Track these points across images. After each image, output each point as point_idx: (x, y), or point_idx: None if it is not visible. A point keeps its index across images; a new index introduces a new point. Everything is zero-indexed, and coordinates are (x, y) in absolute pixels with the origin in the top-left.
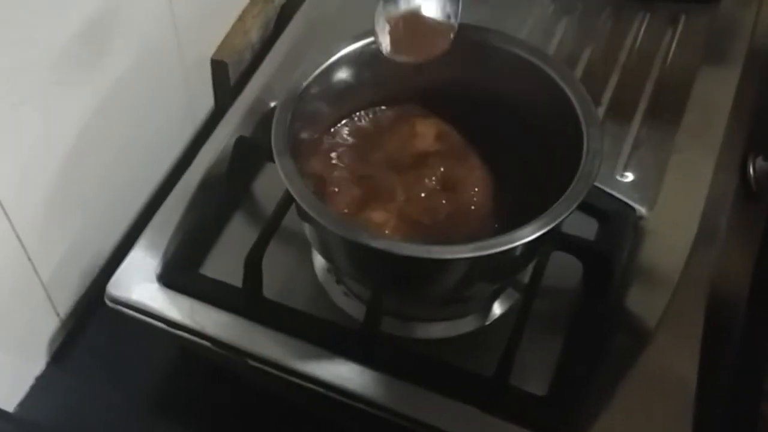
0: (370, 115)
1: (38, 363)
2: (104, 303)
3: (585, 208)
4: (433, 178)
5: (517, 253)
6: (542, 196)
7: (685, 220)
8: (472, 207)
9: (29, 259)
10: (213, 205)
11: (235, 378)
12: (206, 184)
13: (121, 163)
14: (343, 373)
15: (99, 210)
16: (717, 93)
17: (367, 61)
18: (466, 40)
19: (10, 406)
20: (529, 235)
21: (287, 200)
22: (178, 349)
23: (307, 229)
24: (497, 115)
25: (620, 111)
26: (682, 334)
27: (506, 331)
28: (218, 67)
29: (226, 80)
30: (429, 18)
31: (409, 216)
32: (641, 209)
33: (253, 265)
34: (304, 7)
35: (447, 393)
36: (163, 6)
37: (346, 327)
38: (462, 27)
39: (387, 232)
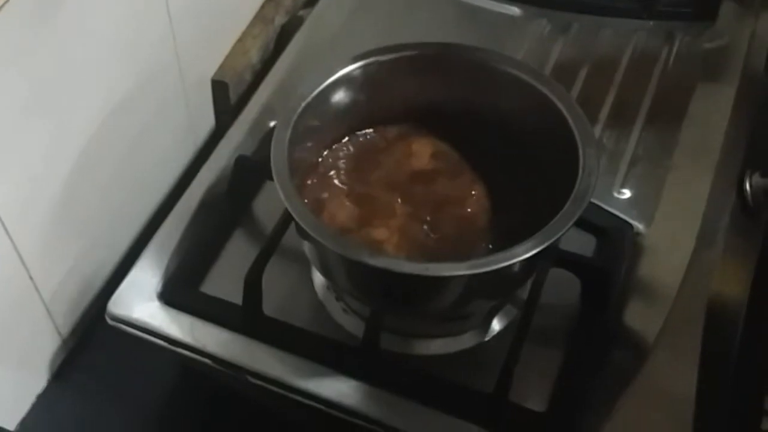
0: (368, 135)
1: (39, 381)
2: (105, 321)
3: (583, 224)
4: (430, 196)
5: (515, 270)
6: (539, 214)
7: (682, 236)
8: (469, 225)
9: (31, 278)
10: (213, 224)
11: (236, 395)
12: (207, 203)
13: (123, 183)
14: (342, 389)
15: (100, 229)
16: (713, 110)
17: (365, 82)
18: (463, 61)
19: (11, 425)
20: (525, 252)
21: (287, 219)
22: (178, 367)
23: (306, 247)
24: (494, 134)
25: (617, 128)
26: (680, 349)
27: (505, 346)
28: (219, 87)
29: (227, 100)
30: None
31: (410, 233)
32: (639, 226)
33: (252, 282)
34: (303, 29)
35: (446, 409)
36: (164, 28)
37: (346, 344)
38: (459, 47)
39: (389, 248)
